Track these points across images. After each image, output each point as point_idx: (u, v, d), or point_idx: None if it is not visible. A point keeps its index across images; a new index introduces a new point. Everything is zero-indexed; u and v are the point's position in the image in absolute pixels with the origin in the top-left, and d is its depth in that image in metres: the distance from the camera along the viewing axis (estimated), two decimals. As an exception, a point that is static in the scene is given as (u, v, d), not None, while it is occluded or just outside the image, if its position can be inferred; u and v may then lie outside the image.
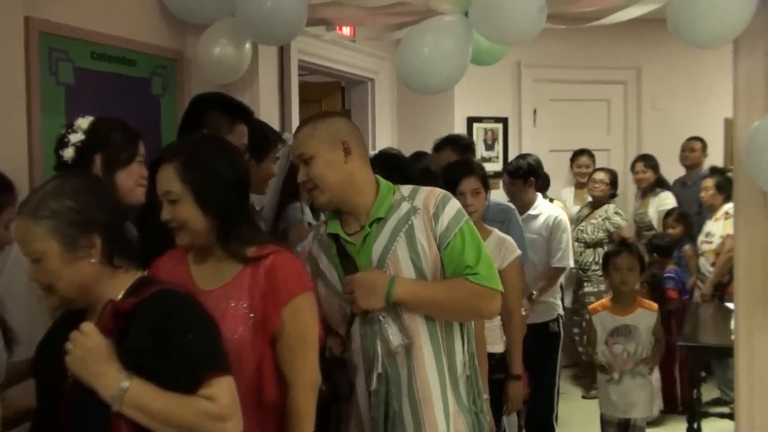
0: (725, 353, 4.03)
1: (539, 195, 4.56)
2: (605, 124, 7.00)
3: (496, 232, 3.27)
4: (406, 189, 2.25)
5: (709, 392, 5.17)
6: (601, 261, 5.37)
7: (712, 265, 5.38)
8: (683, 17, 2.76)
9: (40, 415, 1.80)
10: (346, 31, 5.08)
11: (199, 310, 1.75)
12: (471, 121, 6.37)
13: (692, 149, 6.20)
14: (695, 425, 4.30)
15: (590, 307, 4.21)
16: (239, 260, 1.93)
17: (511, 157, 5.68)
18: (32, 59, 2.68)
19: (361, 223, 2.20)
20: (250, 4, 3.14)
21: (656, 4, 3.15)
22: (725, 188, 5.28)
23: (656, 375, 4.04)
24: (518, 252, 3.28)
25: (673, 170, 6.34)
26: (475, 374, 2.28)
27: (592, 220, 5.74)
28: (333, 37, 4.84)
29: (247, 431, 1.72)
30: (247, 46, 3.37)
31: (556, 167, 6.41)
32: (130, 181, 2.28)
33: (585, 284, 5.68)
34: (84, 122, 2.32)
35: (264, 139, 3.04)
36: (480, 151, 6.41)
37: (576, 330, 5.66)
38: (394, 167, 2.57)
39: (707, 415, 4.60)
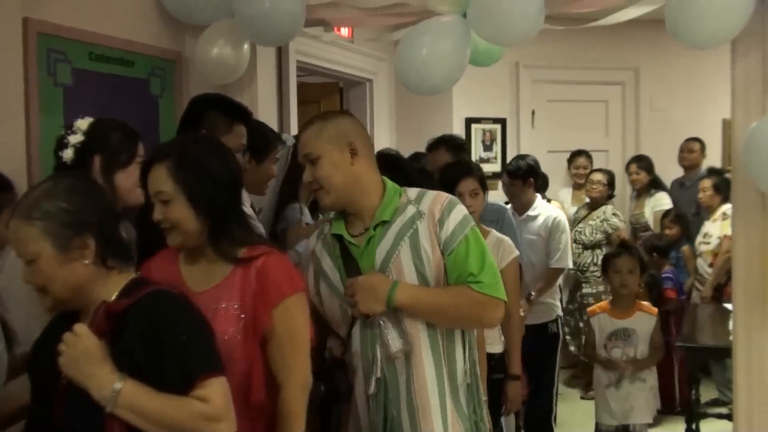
0: (723, 354, 4.04)
1: (538, 196, 4.56)
2: (603, 125, 7.01)
3: (494, 233, 3.27)
4: (412, 192, 2.22)
5: (707, 393, 5.18)
6: (599, 262, 5.41)
7: (710, 265, 5.39)
8: (681, 18, 2.77)
9: (34, 416, 1.80)
10: (345, 32, 5.09)
11: (192, 311, 1.75)
12: (469, 121, 6.38)
13: (691, 150, 6.21)
14: (693, 426, 4.30)
15: (589, 309, 4.18)
16: (230, 261, 1.92)
17: (509, 158, 5.68)
18: (30, 60, 2.68)
19: (365, 224, 2.18)
20: (248, 4, 3.14)
21: (654, 5, 3.15)
22: (723, 189, 5.29)
23: (654, 376, 4.02)
24: (516, 253, 3.29)
25: (671, 171, 6.35)
26: (476, 382, 2.25)
27: (590, 222, 5.74)
28: (331, 37, 4.85)
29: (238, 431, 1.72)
30: (246, 46, 3.37)
31: (554, 168, 6.42)
32: (130, 182, 2.28)
33: (583, 285, 5.68)
34: (83, 123, 2.32)
35: (264, 139, 3.05)
36: (478, 151, 6.43)
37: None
38: (394, 167, 2.56)
39: (705, 415, 4.60)
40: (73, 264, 1.70)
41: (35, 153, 2.68)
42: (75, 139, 2.29)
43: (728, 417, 4.14)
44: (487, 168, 6.00)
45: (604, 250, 5.57)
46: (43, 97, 2.74)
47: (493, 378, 3.11)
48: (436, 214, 2.14)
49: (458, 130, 6.22)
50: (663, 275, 5.30)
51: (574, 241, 5.53)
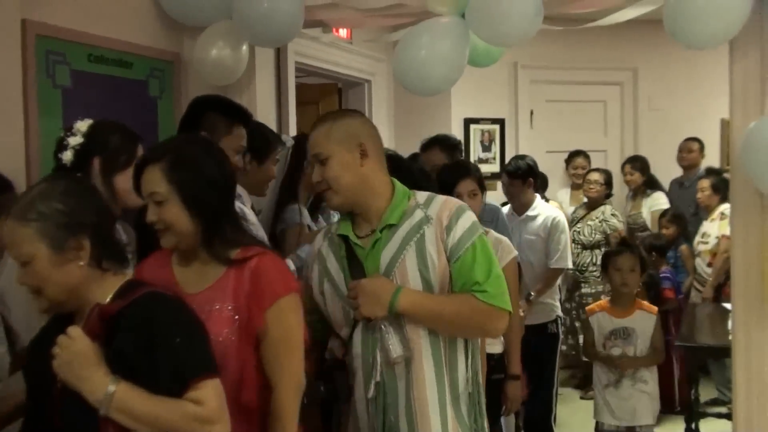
0: (722, 353, 4.04)
1: (538, 196, 4.57)
2: (602, 125, 7.02)
3: (493, 233, 3.27)
4: (421, 196, 2.19)
5: (707, 392, 5.18)
6: (598, 262, 5.42)
7: (708, 265, 5.39)
8: (680, 18, 2.77)
9: (30, 418, 1.80)
10: (343, 32, 5.09)
11: (187, 312, 1.74)
12: (468, 122, 6.38)
13: (690, 150, 6.21)
14: (693, 425, 4.31)
15: (588, 308, 4.14)
16: (224, 262, 1.91)
17: (508, 158, 5.69)
18: (29, 62, 2.68)
19: (372, 226, 2.15)
20: (246, 6, 3.14)
21: (652, 6, 3.15)
22: (721, 189, 5.30)
23: (654, 378, 3.98)
24: (515, 253, 3.29)
25: (670, 171, 6.36)
26: (478, 391, 2.22)
27: (589, 222, 5.74)
28: (330, 38, 4.85)
29: None
30: (244, 48, 3.37)
31: (553, 168, 6.43)
32: (129, 183, 2.26)
33: (582, 286, 5.68)
34: (83, 125, 2.32)
35: (264, 140, 3.05)
36: (477, 152, 6.43)
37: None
38: (397, 168, 2.54)
39: (705, 415, 4.60)
40: (68, 265, 1.70)
41: (34, 155, 2.68)
42: (75, 141, 2.29)
43: (728, 416, 4.14)
44: (485, 168, 6.02)
45: (603, 251, 5.58)
46: (41, 98, 2.74)
47: (493, 378, 3.12)
48: (444, 220, 2.11)
49: (457, 131, 6.23)
50: (661, 275, 5.31)
51: (573, 241, 5.53)
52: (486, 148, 6.49)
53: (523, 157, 4.58)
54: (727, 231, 4.65)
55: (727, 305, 3.88)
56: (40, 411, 1.75)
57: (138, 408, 1.62)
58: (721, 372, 5.25)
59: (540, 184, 5.01)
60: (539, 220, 4.40)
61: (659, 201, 6.09)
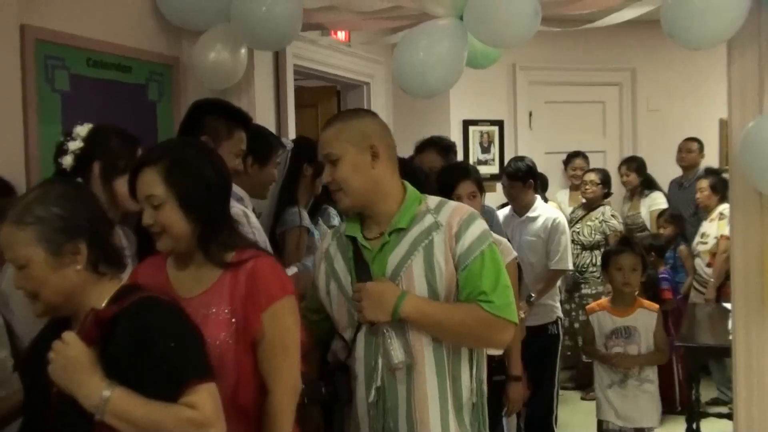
0: (723, 353, 4.03)
1: (538, 197, 4.57)
2: (601, 126, 7.03)
3: (492, 235, 3.27)
4: (433, 201, 2.17)
5: (707, 392, 5.18)
6: (598, 263, 5.43)
7: (708, 265, 5.39)
8: (677, 19, 2.77)
9: (27, 423, 1.80)
10: (341, 35, 5.09)
11: (182, 317, 1.74)
12: (467, 124, 6.38)
13: (689, 150, 6.21)
14: (694, 425, 4.30)
15: (588, 307, 4.10)
16: (219, 265, 1.90)
17: (507, 159, 5.69)
18: (28, 67, 2.68)
19: (381, 229, 2.13)
20: (245, 9, 3.14)
21: (650, 6, 3.16)
22: (720, 189, 5.30)
23: (656, 377, 3.94)
24: (514, 254, 3.30)
25: (669, 171, 6.36)
26: (483, 402, 2.20)
27: (588, 222, 5.75)
28: (328, 41, 4.86)
29: None
30: (243, 51, 3.38)
31: (552, 169, 6.44)
32: (129, 187, 2.28)
33: (582, 286, 5.68)
34: (83, 130, 2.33)
35: (266, 143, 3.06)
36: (476, 153, 6.44)
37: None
38: (405, 172, 2.52)
39: (706, 414, 4.61)
40: (64, 269, 1.71)
41: (34, 159, 2.68)
42: (74, 145, 2.29)
43: (729, 416, 4.13)
44: (485, 170, 6.03)
45: (603, 250, 5.59)
46: (41, 103, 2.74)
47: (494, 380, 3.12)
48: (454, 227, 2.08)
49: (456, 133, 6.24)
50: (659, 275, 5.30)
51: (573, 241, 5.53)
52: (485, 150, 6.50)
53: (522, 158, 4.59)
54: (726, 231, 4.65)
55: (727, 305, 3.88)
56: (38, 415, 1.75)
57: (133, 413, 1.62)
58: (722, 372, 5.25)
59: (540, 185, 5.01)
60: (540, 222, 4.40)
61: (658, 201, 6.10)
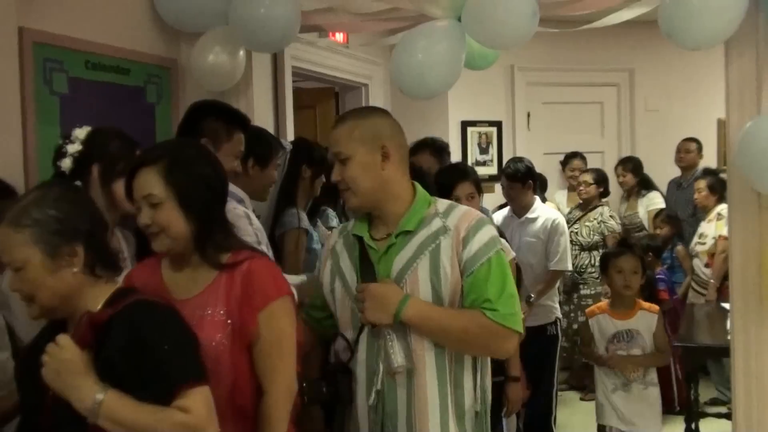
0: (721, 353, 4.03)
1: (537, 198, 4.57)
2: (599, 127, 7.04)
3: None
4: (442, 204, 2.15)
5: (706, 392, 5.19)
6: (597, 264, 5.42)
7: (706, 266, 5.40)
8: (675, 19, 2.77)
9: (24, 425, 1.81)
10: (340, 37, 5.10)
11: (176, 320, 1.74)
12: (465, 125, 6.39)
13: (688, 150, 6.22)
14: (693, 425, 4.31)
15: (588, 310, 4.05)
16: (215, 266, 1.90)
17: (506, 160, 5.69)
18: (27, 70, 2.67)
19: (389, 230, 2.11)
20: (243, 11, 3.15)
21: (648, 7, 3.16)
22: (718, 189, 5.31)
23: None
24: (512, 254, 3.30)
25: (668, 171, 6.37)
26: (486, 411, 2.18)
27: (587, 223, 5.75)
28: (326, 43, 4.86)
29: None
30: (241, 53, 3.38)
31: (551, 170, 6.45)
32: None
33: (581, 287, 5.68)
34: (81, 132, 2.33)
35: (266, 145, 3.07)
36: (474, 154, 6.45)
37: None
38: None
39: (705, 414, 4.61)
40: (61, 272, 1.71)
41: (32, 162, 2.68)
42: (73, 148, 2.29)
43: (727, 416, 4.14)
44: (483, 171, 6.04)
45: (602, 252, 5.59)
46: (39, 106, 2.74)
47: (493, 381, 3.11)
48: (462, 232, 2.06)
49: (454, 134, 6.25)
50: (655, 276, 5.30)
51: (571, 242, 5.54)
52: (483, 151, 6.50)
53: (520, 159, 4.59)
54: (724, 231, 4.65)
55: (726, 305, 3.88)
56: (34, 418, 1.75)
57: (126, 416, 1.62)
58: (720, 372, 5.26)
59: (539, 185, 5.01)
60: (539, 223, 4.41)
61: (655, 201, 6.11)
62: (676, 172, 6.32)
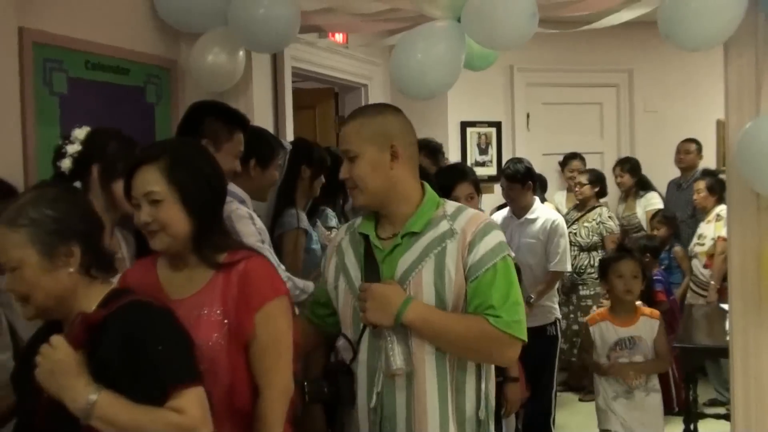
0: (720, 354, 4.03)
1: (537, 199, 4.57)
2: (598, 127, 7.04)
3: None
4: (451, 207, 2.12)
5: (705, 393, 5.19)
6: (596, 264, 5.42)
7: (705, 267, 5.40)
8: (674, 21, 2.78)
9: (19, 428, 1.80)
10: (339, 37, 5.10)
11: (170, 321, 1.73)
12: (464, 125, 6.39)
13: (687, 151, 6.22)
14: (692, 426, 4.31)
15: (588, 318, 3.95)
16: (212, 266, 1.89)
17: (505, 161, 5.70)
18: (26, 70, 2.68)
19: (395, 230, 2.08)
20: (242, 12, 3.15)
21: (647, 8, 3.17)
22: (717, 190, 5.31)
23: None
24: (512, 255, 3.29)
25: (667, 172, 6.37)
26: (489, 418, 2.12)
27: (585, 224, 5.75)
28: (326, 43, 4.87)
29: None
30: (241, 53, 3.38)
31: (550, 171, 6.45)
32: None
33: (580, 288, 5.68)
34: (81, 133, 2.33)
35: (268, 145, 3.08)
36: (474, 155, 6.45)
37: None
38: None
39: (704, 415, 4.61)
40: (57, 272, 1.70)
41: (32, 162, 2.68)
42: (73, 148, 2.30)
43: (726, 417, 4.14)
44: (482, 171, 6.04)
45: (600, 253, 5.60)
46: (39, 106, 2.74)
47: (492, 381, 3.11)
48: (468, 236, 2.02)
49: (453, 134, 6.26)
50: (653, 277, 5.30)
51: (570, 243, 5.54)
52: (483, 151, 6.50)
53: (520, 160, 4.60)
54: (723, 232, 4.65)
55: (724, 306, 3.87)
56: (29, 419, 1.75)
57: (119, 417, 1.61)
58: (718, 373, 5.26)
59: (539, 186, 5.01)
60: (538, 224, 4.40)
61: (653, 201, 6.11)
62: (676, 172, 6.33)
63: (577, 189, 5.88)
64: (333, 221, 3.72)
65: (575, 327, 5.59)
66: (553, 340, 4.26)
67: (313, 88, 5.63)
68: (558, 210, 5.57)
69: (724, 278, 3.74)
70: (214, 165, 1.97)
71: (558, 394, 4.54)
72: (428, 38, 3.05)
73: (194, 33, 3.35)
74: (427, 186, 2.16)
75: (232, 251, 1.92)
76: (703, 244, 5.42)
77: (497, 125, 6.54)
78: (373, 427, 2.08)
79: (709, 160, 6.41)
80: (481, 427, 2.10)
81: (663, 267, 5.66)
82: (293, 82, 4.60)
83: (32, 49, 2.70)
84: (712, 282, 5.26)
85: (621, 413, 3.62)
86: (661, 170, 6.38)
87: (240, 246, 2.01)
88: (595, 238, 5.68)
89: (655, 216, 5.85)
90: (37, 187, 1.86)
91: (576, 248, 5.66)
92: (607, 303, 4.54)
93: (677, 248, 5.73)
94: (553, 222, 4.41)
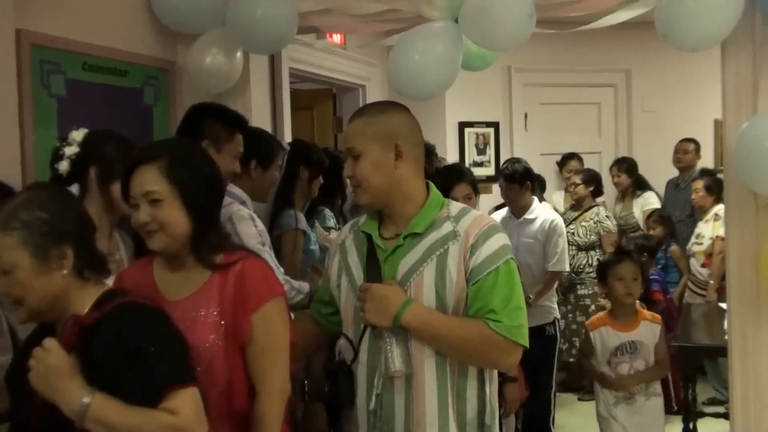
0: (718, 353, 4.03)
1: (535, 199, 4.58)
2: (596, 127, 7.05)
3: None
4: (455, 208, 2.10)
5: (704, 392, 5.19)
6: (594, 263, 5.43)
7: (703, 266, 5.40)
8: (671, 21, 2.78)
9: (14, 430, 1.80)
10: (337, 38, 5.11)
11: (163, 322, 1.73)
12: (462, 126, 6.40)
13: (685, 151, 6.23)
14: (691, 425, 4.31)
15: (588, 323, 3.86)
16: (208, 267, 1.89)
17: (503, 161, 5.70)
18: (24, 72, 2.68)
19: (398, 230, 2.07)
20: (240, 13, 3.15)
21: (644, 8, 3.17)
22: (715, 189, 5.31)
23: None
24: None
25: (665, 172, 6.38)
26: (494, 423, 2.09)
27: (583, 223, 5.75)
28: (324, 44, 4.88)
29: None
30: (239, 54, 3.38)
31: (548, 171, 6.45)
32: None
33: (578, 287, 5.68)
34: (78, 135, 2.33)
35: (268, 147, 3.08)
36: (472, 155, 6.46)
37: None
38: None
39: (703, 414, 4.62)
40: (50, 274, 1.70)
41: (30, 164, 2.68)
42: (70, 150, 2.30)
43: (725, 416, 4.14)
44: (481, 172, 6.05)
45: (598, 252, 5.60)
46: (37, 107, 2.74)
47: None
48: (471, 238, 2.00)
49: (451, 135, 6.26)
50: (649, 276, 5.30)
51: (568, 242, 5.54)
52: (481, 152, 6.51)
53: (518, 160, 4.60)
54: (721, 232, 4.66)
55: (723, 305, 3.88)
56: (24, 422, 1.74)
57: (113, 419, 1.61)
58: (717, 371, 5.26)
59: (539, 186, 5.01)
60: (537, 224, 4.41)
61: (650, 201, 6.12)
62: (674, 172, 6.33)
63: (571, 189, 5.89)
64: (331, 221, 3.72)
65: (573, 326, 5.60)
66: (552, 340, 4.26)
67: (311, 89, 5.63)
68: (556, 210, 5.58)
69: (723, 277, 3.73)
70: (213, 165, 1.98)
71: (557, 393, 4.54)
72: (426, 39, 3.05)
73: (192, 34, 3.34)
74: (432, 186, 2.14)
75: (229, 252, 1.92)
76: (701, 244, 5.42)
77: (495, 125, 6.55)
78: (371, 429, 2.07)
79: (707, 160, 6.42)
80: None
81: (659, 266, 5.67)
82: (291, 83, 4.61)
83: (30, 50, 2.71)
84: (711, 281, 5.26)
85: (622, 419, 3.58)
86: (660, 170, 6.38)
87: (236, 247, 2.01)
88: (593, 237, 5.68)
89: (651, 216, 5.85)
90: (29, 189, 1.85)
91: (574, 248, 5.66)
92: (604, 302, 4.56)
93: (674, 248, 5.73)
94: (552, 222, 4.41)
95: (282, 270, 2.73)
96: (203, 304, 1.87)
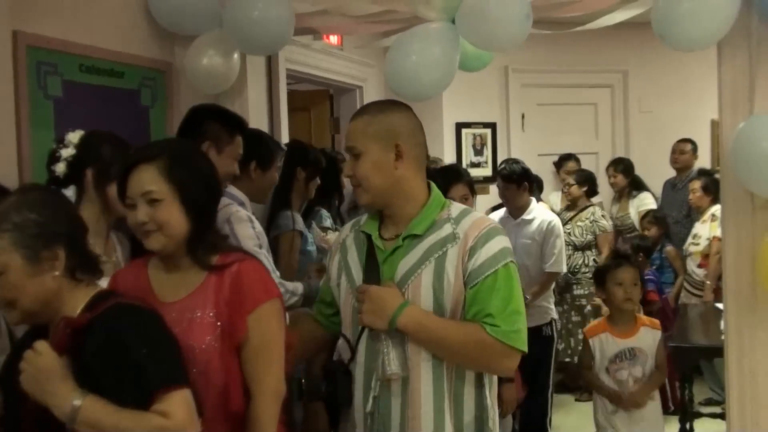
0: (715, 353, 4.04)
1: (533, 199, 4.58)
2: (593, 128, 7.06)
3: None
4: (456, 209, 2.07)
5: (701, 392, 5.20)
6: (591, 264, 5.45)
7: (699, 266, 5.41)
8: (668, 21, 2.78)
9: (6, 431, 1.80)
10: (334, 39, 5.11)
11: (155, 323, 1.72)
12: (459, 126, 6.40)
13: (682, 151, 6.23)
14: (687, 425, 4.32)
15: (586, 330, 3.80)
16: (205, 268, 1.88)
17: (500, 161, 5.71)
18: (21, 73, 2.67)
19: (398, 231, 2.05)
20: (237, 14, 3.15)
21: (641, 9, 3.17)
22: (712, 190, 5.32)
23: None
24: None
25: (662, 172, 6.38)
26: (494, 428, 2.06)
27: (579, 223, 5.75)
28: (321, 45, 4.87)
29: None
30: (236, 56, 3.38)
31: (545, 171, 6.46)
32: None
33: (575, 287, 5.68)
34: (75, 136, 2.33)
35: (267, 148, 3.08)
36: (469, 156, 6.47)
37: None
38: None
39: (699, 414, 4.62)
40: (42, 276, 1.69)
41: (27, 166, 2.67)
42: (67, 152, 2.29)
43: (722, 416, 4.14)
44: (478, 172, 6.06)
45: (594, 252, 5.61)
46: (33, 109, 2.73)
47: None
48: (470, 241, 1.97)
49: (449, 135, 6.27)
50: (644, 277, 5.29)
51: (564, 242, 5.55)
52: (478, 152, 6.51)
53: (516, 160, 4.60)
54: (718, 232, 4.66)
55: (719, 305, 3.88)
56: (16, 424, 1.74)
57: (104, 421, 1.60)
58: (713, 372, 5.27)
59: (537, 187, 5.01)
60: (535, 224, 4.41)
61: (646, 201, 6.13)
62: (671, 173, 6.33)
63: (565, 190, 5.89)
64: (327, 221, 3.73)
65: (570, 326, 5.60)
66: (549, 341, 4.26)
67: (308, 90, 5.63)
68: (553, 210, 5.58)
69: (720, 278, 3.73)
70: (211, 165, 1.98)
71: (554, 394, 4.54)
72: (423, 40, 3.05)
73: (189, 35, 3.34)
74: (434, 187, 2.12)
75: (224, 253, 1.92)
76: (698, 244, 5.43)
77: (492, 126, 6.55)
78: (368, 431, 2.05)
79: (703, 160, 6.42)
80: None
81: (654, 267, 5.68)
82: (288, 84, 4.60)
83: (26, 52, 2.70)
84: (708, 282, 5.27)
85: (621, 427, 3.54)
86: (657, 170, 6.39)
87: (232, 248, 2.00)
88: (589, 237, 5.69)
89: (646, 216, 5.86)
90: (20, 191, 1.84)
91: (570, 248, 5.66)
92: (598, 301, 4.56)
93: (669, 248, 5.74)
94: (550, 223, 4.41)
95: (278, 273, 2.73)
96: (199, 305, 1.86)
